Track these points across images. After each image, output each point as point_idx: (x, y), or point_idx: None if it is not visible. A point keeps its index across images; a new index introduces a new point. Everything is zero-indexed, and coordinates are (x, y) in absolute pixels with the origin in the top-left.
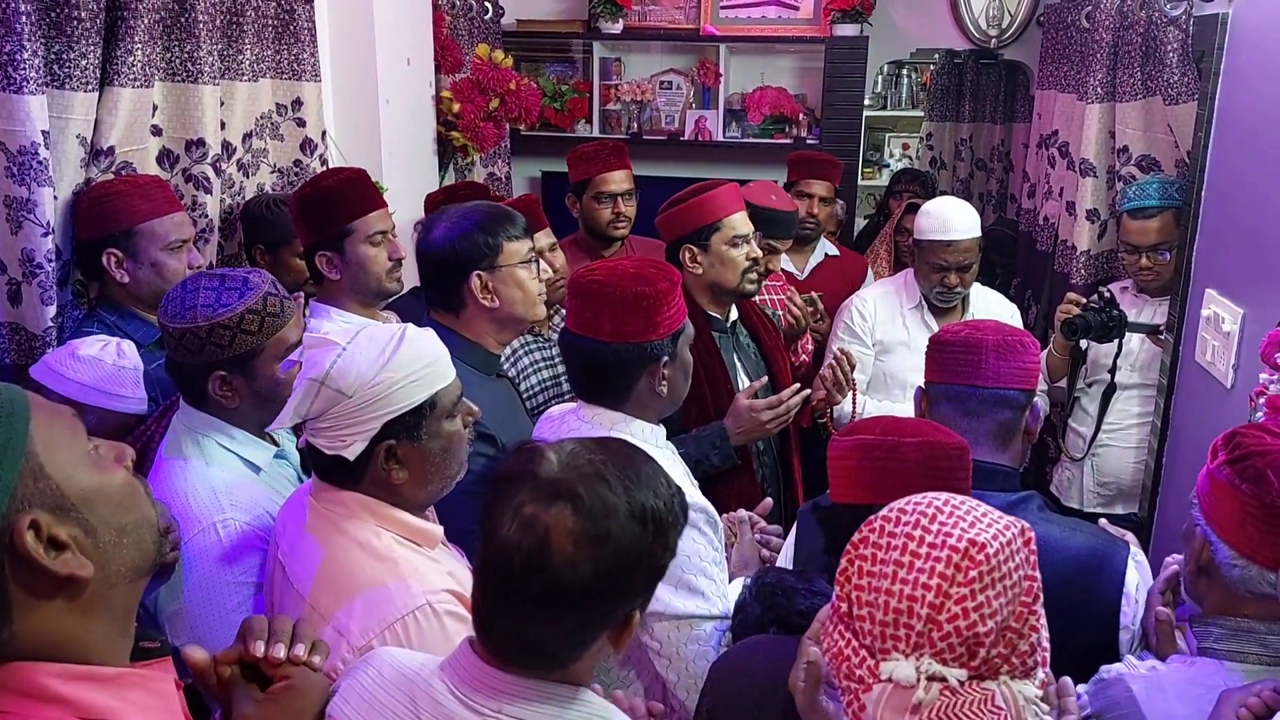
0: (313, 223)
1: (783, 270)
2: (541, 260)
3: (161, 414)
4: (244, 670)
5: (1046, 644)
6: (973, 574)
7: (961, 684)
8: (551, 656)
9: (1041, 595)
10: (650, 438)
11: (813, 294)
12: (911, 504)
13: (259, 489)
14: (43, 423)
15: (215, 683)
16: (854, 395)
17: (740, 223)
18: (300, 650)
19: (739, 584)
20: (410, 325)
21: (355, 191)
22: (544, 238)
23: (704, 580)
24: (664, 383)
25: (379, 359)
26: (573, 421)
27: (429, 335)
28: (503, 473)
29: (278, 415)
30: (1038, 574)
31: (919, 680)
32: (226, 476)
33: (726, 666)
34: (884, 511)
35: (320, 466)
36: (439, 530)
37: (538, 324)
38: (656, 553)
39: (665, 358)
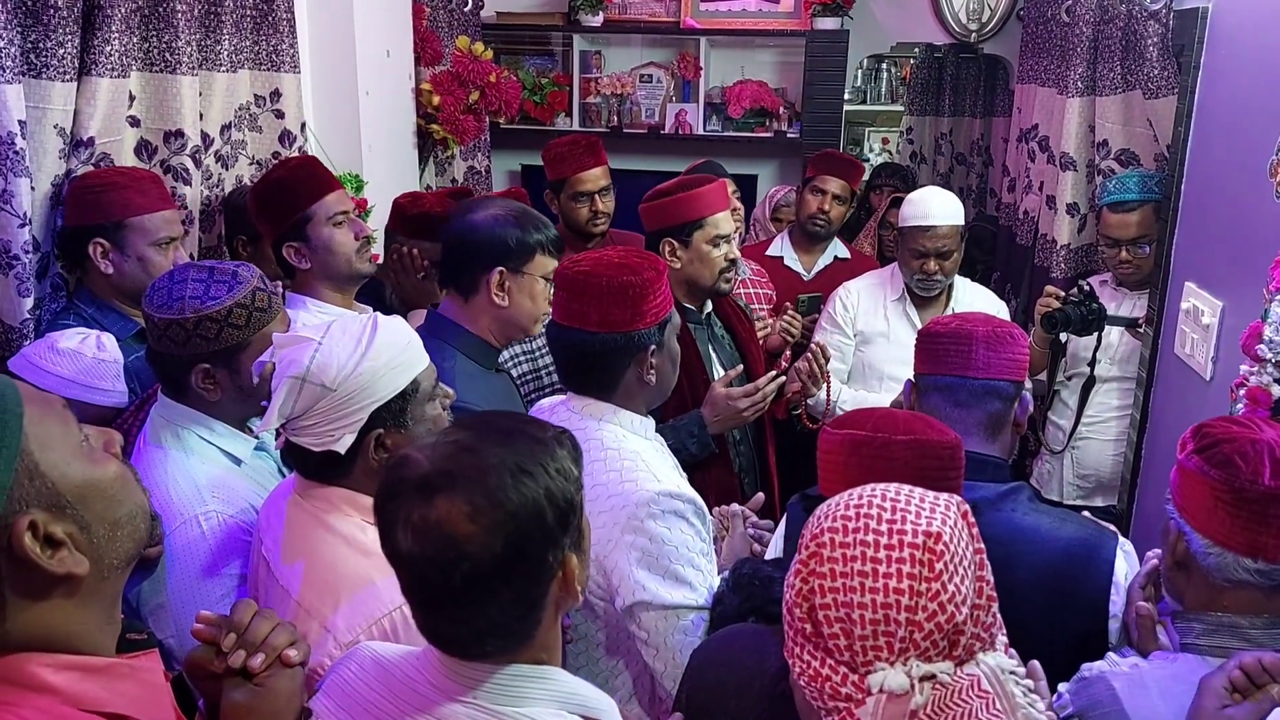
0: (272, 215)
1: (788, 268)
2: None
3: (139, 406)
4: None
5: (996, 609)
6: (939, 566)
7: (950, 675)
8: (509, 635)
9: (988, 563)
10: (639, 429)
11: (811, 295)
12: (852, 509)
13: (240, 481)
14: (35, 417)
15: (208, 675)
16: (828, 388)
17: (723, 222)
18: (290, 654)
19: None
20: (378, 313)
21: (308, 177)
22: None
23: (691, 571)
24: (652, 372)
25: (356, 349)
26: (562, 413)
27: (399, 321)
28: (383, 492)
29: (260, 410)
30: (980, 541)
31: (913, 685)
32: (207, 469)
33: (706, 655)
34: (825, 523)
35: (305, 466)
36: None
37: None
38: (556, 492)
39: (653, 346)
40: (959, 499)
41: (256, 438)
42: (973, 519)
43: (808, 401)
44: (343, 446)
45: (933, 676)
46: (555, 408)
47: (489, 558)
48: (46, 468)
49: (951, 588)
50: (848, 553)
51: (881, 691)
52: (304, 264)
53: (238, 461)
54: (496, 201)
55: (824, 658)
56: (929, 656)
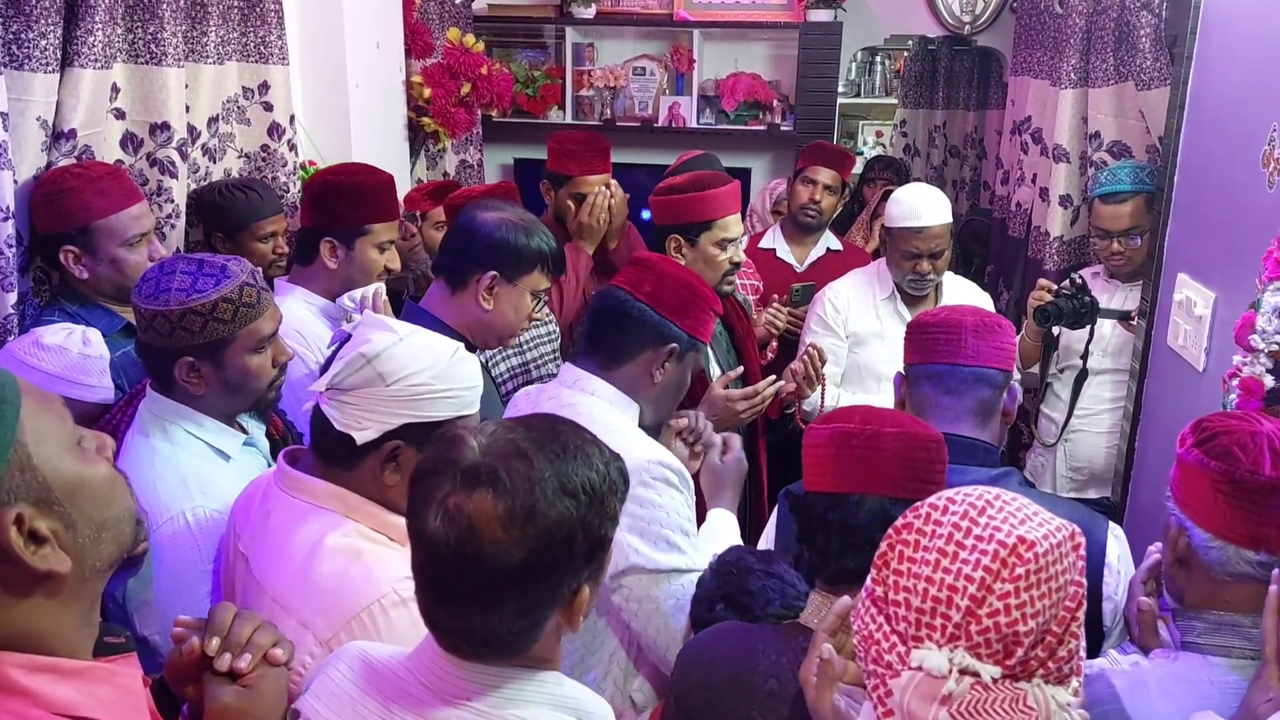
0: (331, 209)
1: (780, 260)
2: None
3: (127, 402)
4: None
5: (1084, 653)
6: (1019, 571)
7: (995, 681)
8: (504, 644)
9: (1085, 603)
10: (619, 403)
11: (804, 284)
12: (962, 494)
13: (228, 477)
14: (33, 410)
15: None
16: (823, 390)
17: (733, 225)
18: (276, 652)
19: (713, 534)
20: (462, 346)
21: (384, 197)
22: None
23: (681, 536)
24: (660, 371)
25: (431, 364)
26: (552, 386)
27: (476, 362)
28: (426, 466)
29: (246, 405)
30: (1084, 581)
31: (951, 671)
32: (195, 464)
33: (694, 653)
34: (931, 499)
35: (319, 440)
36: None
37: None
38: (594, 524)
39: (674, 346)
40: (1076, 529)
41: (245, 432)
42: (1084, 553)
43: (803, 405)
44: (361, 438)
45: (976, 674)
46: (546, 384)
47: (507, 566)
48: (39, 461)
49: (1025, 596)
50: (939, 529)
51: (920, 669)
52: (333, 263)
53: (226, 457)
54: (516, 208)
55: (882, 623)
56: (979, 654)
